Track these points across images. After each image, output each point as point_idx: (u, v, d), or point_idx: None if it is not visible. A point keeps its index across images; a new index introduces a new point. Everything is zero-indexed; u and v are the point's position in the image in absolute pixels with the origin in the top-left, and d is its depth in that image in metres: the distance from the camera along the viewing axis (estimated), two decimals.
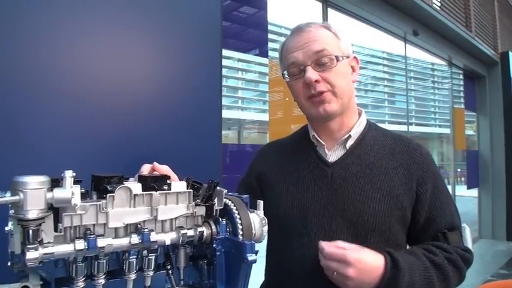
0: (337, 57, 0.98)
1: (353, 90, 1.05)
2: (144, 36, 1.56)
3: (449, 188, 6.00)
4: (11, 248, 0.54)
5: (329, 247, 0.86)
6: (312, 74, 0.96)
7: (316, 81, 0.96)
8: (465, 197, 6.87)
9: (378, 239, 0.94)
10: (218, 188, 0.70)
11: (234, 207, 0.69)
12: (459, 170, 6.85)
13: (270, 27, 2.91)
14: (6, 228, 0.54)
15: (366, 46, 14.61)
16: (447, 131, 6.67)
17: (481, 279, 4.06)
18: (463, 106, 6.52)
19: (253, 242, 0.64)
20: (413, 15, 4.56)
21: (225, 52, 2.81)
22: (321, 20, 3.53)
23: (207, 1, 1.82)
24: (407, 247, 1.03)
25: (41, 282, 0.58)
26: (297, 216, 1.00)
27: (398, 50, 5.16)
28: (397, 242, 0.97)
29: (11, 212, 0.53)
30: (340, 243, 0.88)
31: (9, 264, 0.56)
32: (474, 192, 6.81)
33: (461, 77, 6.48)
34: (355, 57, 1.06)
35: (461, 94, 6.60)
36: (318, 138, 1.05)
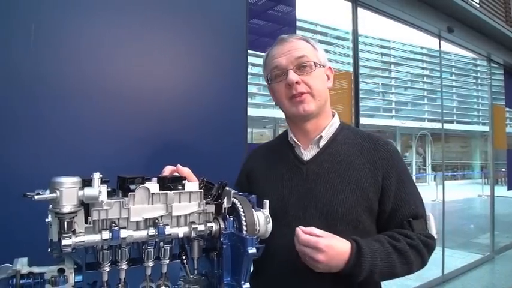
0: (315, 63, 1.12)
1: (328, 95, 1.19)
2: (168, 39, 1.66)
3: (488, 188, 5.79)
4: (50, 236, 0.66)
5: (303, 234, 0.96)
6: (293, 76, 1.10)
7: (297, 82, 1.10)
8: (508, 198, 6.61)
9: (346, 226, 1.05)
10: (227, 188, 0.80)
11: (240, 206, 0.77)
12: (503, 169, 6.59)
13: (304, 25, 2.92)
14: (47, 220, 0.66)
15: (404, 42, 14.25)
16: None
17: None
18: (503, 103, 6.26)
19: (254, 237, 0.72)
20: (447, 12, 4.44)
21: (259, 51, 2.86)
22: (350, 19, 3.67)
23: (232, 2, 1.89)
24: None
25: (75, 266, 0.70)
26: (278, 209, 1.10)
27: (437, 45, 5.04)
28: (364, 230, 1.08)
29: (50, 206, 0.65)
30: (315, 230, 0.97)
31: (49, 250, 0.68)
32: None
33: (502, 72, 6.23)
34: (329, 67, 1.20)
35: (503, 90, 6.34)
36: (295, 139, 1.18)
